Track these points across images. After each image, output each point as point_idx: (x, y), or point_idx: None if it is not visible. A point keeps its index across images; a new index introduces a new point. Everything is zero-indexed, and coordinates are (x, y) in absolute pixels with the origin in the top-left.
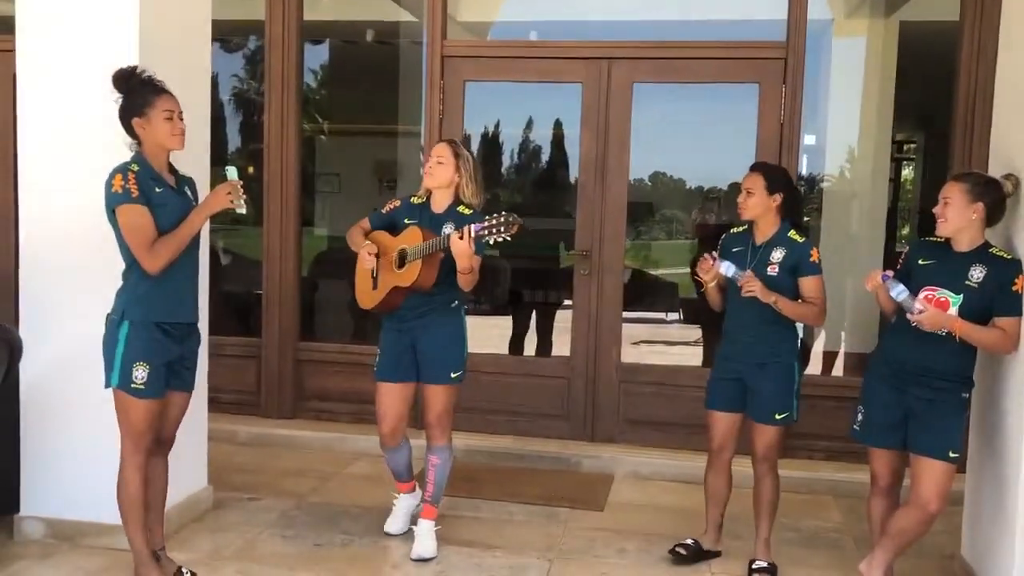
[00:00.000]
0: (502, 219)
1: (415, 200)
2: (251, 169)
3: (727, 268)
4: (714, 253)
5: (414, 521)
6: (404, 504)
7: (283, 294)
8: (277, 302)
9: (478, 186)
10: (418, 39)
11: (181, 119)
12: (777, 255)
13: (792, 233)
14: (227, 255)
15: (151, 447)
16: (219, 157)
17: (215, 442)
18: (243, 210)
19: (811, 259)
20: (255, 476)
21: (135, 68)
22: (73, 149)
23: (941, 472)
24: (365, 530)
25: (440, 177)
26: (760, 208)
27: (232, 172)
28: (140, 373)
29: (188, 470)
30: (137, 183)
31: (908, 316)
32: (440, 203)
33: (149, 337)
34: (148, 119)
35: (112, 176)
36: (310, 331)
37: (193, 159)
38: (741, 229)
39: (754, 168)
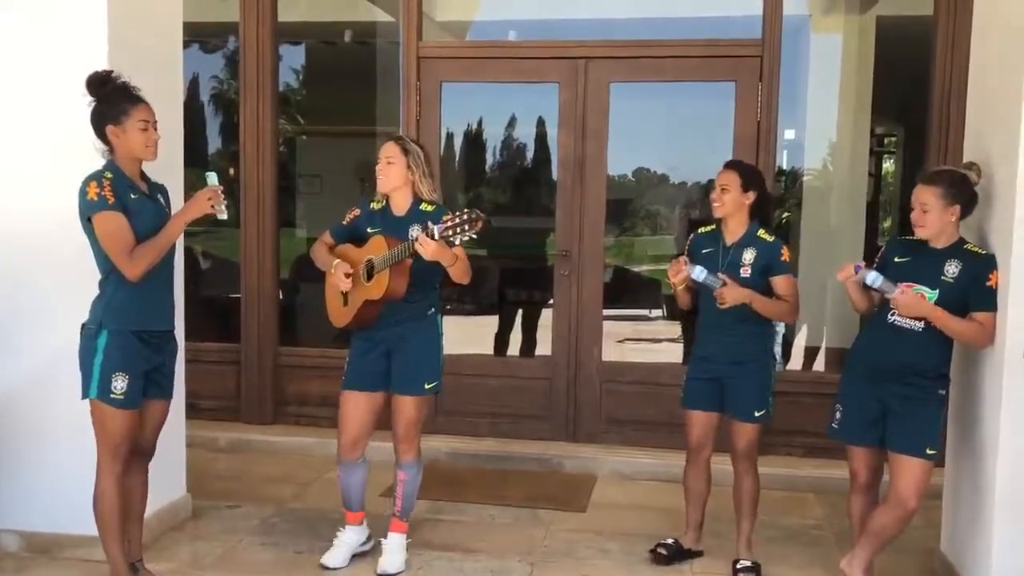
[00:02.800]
0: (464, 217)
1: (375, 205)
2: (231, 171)
3: (699, 273)
4: (684, 257)
5: (384, 535)
6: (348, 538)
7: (261, 298)
8: (256, 306)
9: (434, 180)
10: (395, 39)
11: (156, 129)
12: (748, 256)
13: (761, 232)
14: (207, 259)
15: (128, 457)
16: (198, 159)
17: (194, 449)
18: (224, 216)
19: (782, 258)
20: (235, 483)
21: (110, 73)
22: (43, 156)
23: (918, 469)
24: None
25: (393, 178)
26: (733, 205)
27: (212, 178)
28: (119, 383)
29: (166, 478)
30: (113, 190)
31: (888, 297)
32: (400, 205)
33: (127, 346)
34: (123, 128)
35: (86, 184)
36: (292, 334)
37: (167, 163)
38: (710, 229)
39: (729, 165)
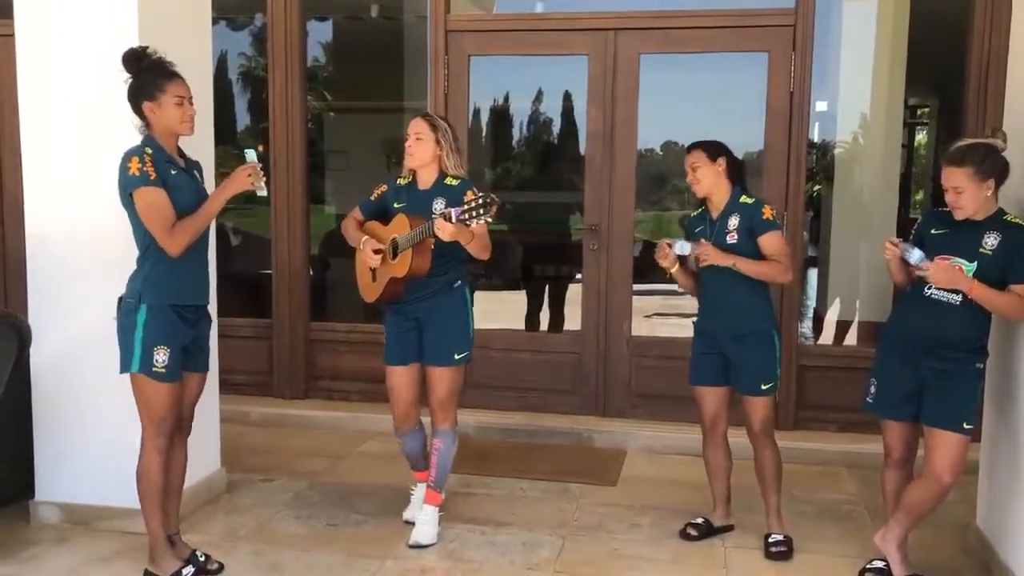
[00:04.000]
0: (480, 201)
1: (401, 181)
2: (260, 148)
3: (681, 247)
4: (668, 240)
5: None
6: (422, 493)
7: (292, 274)
8: (287, 282)
9: (460, 156)
10: (422, 13)
11: (191, 104)
12: (733, 222)
13: (743, 198)
14: (237, 235)
15: (172, 431)
16: (227, 137)
17: (228, 423)
18: (263, 192)
19: (763, 216)
20: (268, 457)
21: (145, 49)
22: (76, 134)
23: (954, 444)
24: (379, 509)
25: (422, 155)
26: (710, 178)
27: (251, 154)
28: (161, 356)
29: (201, 452)
30: (154, 165)
31: (920, 272)
32: (426, 180)
33: (166, 320)
34: (159, 103)
35: (127, 159)
36: (323, 310)
37: (197, 139)
38: (699, 211)
39: (690, 147)
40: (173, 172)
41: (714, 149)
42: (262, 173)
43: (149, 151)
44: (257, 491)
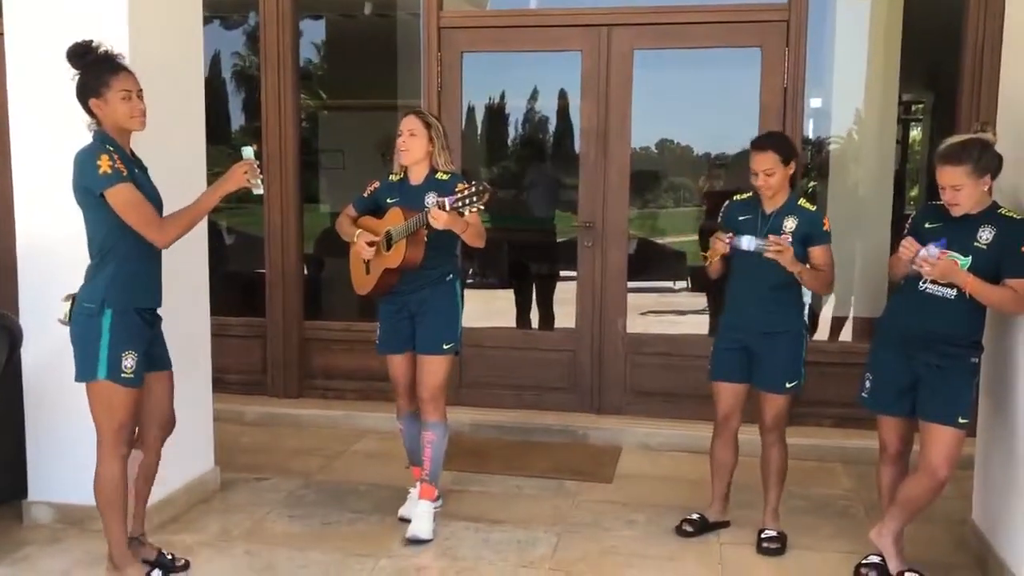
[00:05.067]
0: (473, 189)
1: (393, 178)
2: (255, 147)
3: (749, 243)
4: (727, 237)
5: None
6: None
7: (286, 273)
8: (280, 281)
9: (450, 153)
10: (415, 10)
11: (140, 98)
12: (790, 224)
13: (803, 202)
14: (231, 234)
15: (131, 438)
16: (220, 136)
17: (222, 423)
18: (260, 190)
19: (824, 228)
20: (262, 456)
21: (91, 43)
22: (66, 134)
23: (950, 438)
24: (373, 507)
25: (415, 151)
26: (780, 184)
27: (248, 152)
28: (129, 362)
29: (195, 451)
30: (122, 162)
31: (918, 262)
32: (417, 176)
33: (132, 324)
34: (105, 99)
35: (95, 157)
36: (318, 308)
37: (189, 139)
38: (746, 196)
39: (762, 147)
40: (136, 171)
41: (787, 152)
42: (259, 171)
43: (111, 148)
44: (251, 490)
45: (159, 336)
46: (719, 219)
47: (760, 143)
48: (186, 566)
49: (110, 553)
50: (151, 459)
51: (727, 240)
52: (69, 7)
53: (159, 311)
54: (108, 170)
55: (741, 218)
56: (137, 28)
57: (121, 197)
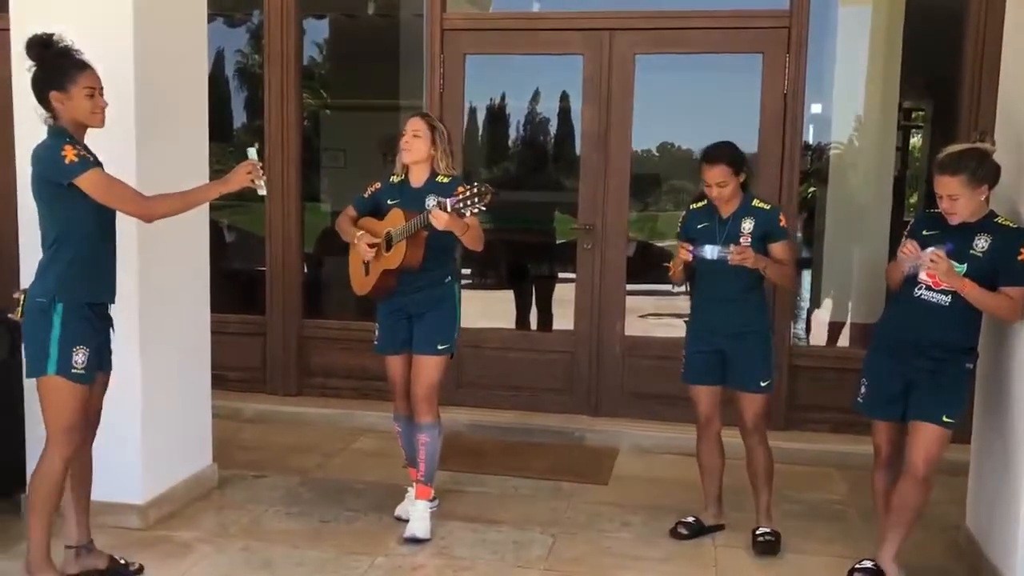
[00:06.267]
0: (475, 190)
1: (394, 179)
2: (256, 145)
3: (711, 252)
4: (689, 247)
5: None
6: None
7: (286, 271)
8: (280, 279)
9: (453, 158)
10: (419, 11)
11: (102, 95)
12: (747, 225)
13: (756, 202)
14: (231, 232)
15: (80, 438)
16: (223, 134)
17: (220, 419)
18: (263, 192)
19: (780, 224)
20: (260, 453)
21: (52, 36)
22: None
23: (932, 435)
24: (370, 506)
25: (418, 151)
26: (732, 192)
27: (252, 152)
28: (80, 357)
29: (193, 448)
30: (85, 152)
31: (925, 259)
32: (418, 178)
33: (83, 319)
34: (69, 95)
35: (59, 148)
36: (317, 307)
37: (191, 137)
38: (702, 204)
39: (715, 160)
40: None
41: (737, 164)
42: (263, 172)
43: (70, 139)
44: (249, 487)
45: (108, 334)
46: (678, 229)
47: (712, 157)
48: (140, 570)
49: (28, 557)
50: (84, 462)
51: (689, 249)
52: (75, 4)
53: (111, 310)
54: (75, 159)
55: (699, 226)
56: (142, 25)
57: (95, 180)
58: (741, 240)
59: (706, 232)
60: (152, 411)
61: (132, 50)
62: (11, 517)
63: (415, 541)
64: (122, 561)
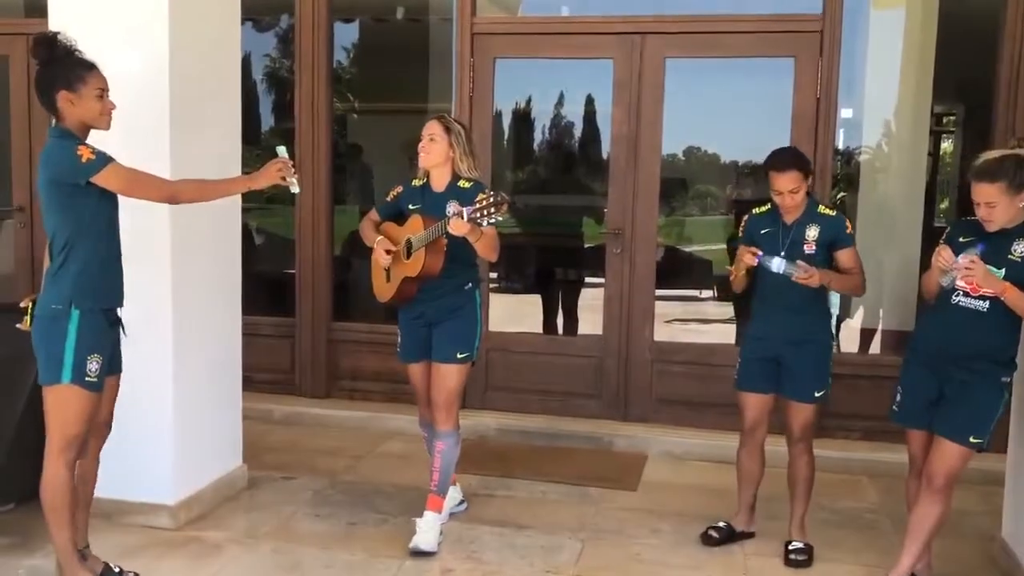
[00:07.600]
0: (491, 200)
1: (416, 183)
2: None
3: (778, 266)
4: (756, 252)
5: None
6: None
7: (316, 274)
8: (310, 282)
9: (474, 159)
10: (448, 15)
11: (109, 98)
12: (812, 232)
13: (821, 209)
14: (261, 235)
15: (82, 444)
16: (252, 136)
17: (250, 421)
18: (296, 189)
19: (847, 231)
20: (289, 455)
21: (56, 35)
22: (105, 133)
23: (955, 454)
24: (399, 509)
25: (435, 155)
26: (803, 198)
27: (282, 151)
28: (94, 365)
29: (223, 449)
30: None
31: (955, 276)
32: (440, 182)
33: (98, 326)
34: (79, 95)
35: (72, 150)
36: (345, 309)
37: (223, 139)
38: (765, 209)
39: (781, 165)
40: None
41: (805, 167)
42: (293, 170)
43: (82, 140)
44: (278, 489)
45: (118, 338)
46: (739, 235)
47: (782, 163)
48: None
49: (58, 562)
50: (90, 465)
51: (757, 255)
52: (111, 8)
53: (120, 313)
54: (92, 156)
55: (763, 232)
56: (177, 29)
57: (118, 173)
58: (805, 248)
59: (769, 238)
60: (183, 413)
61: (167, 54)
62: (42, 518)
63: (419, 554)
64: (116, 569)
